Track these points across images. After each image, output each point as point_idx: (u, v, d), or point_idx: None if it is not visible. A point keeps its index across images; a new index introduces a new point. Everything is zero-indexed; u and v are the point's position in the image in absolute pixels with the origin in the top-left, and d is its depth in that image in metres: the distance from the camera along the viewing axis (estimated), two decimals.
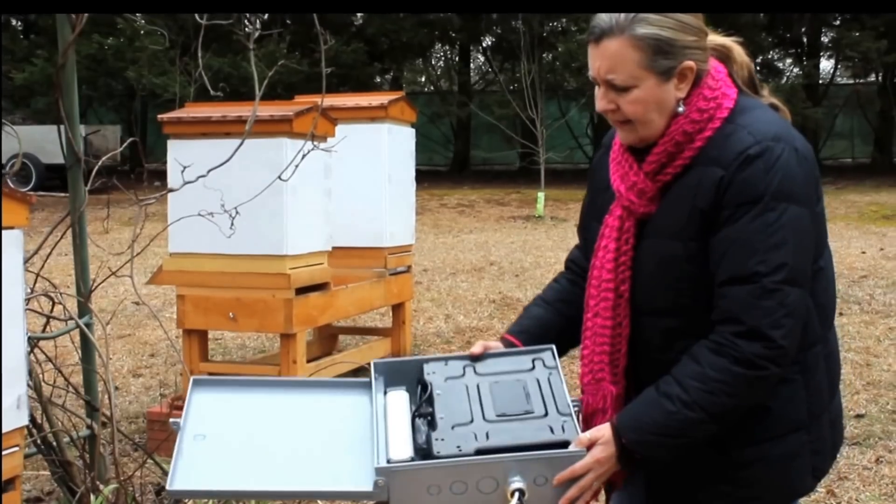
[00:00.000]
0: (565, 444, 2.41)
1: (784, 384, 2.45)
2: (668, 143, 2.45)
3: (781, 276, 2.32)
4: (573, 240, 2.94)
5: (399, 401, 2.60)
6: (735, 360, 2.34)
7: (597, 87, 2.50)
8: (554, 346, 2.66)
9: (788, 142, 2.39)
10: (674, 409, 2.37)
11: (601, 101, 2.48)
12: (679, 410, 2.37)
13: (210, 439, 2.54)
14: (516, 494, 2.36)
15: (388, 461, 2.39)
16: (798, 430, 2.48)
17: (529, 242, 16.44)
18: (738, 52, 2.58)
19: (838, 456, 5.97)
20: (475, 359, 2.67)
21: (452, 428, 2.46)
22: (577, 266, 2.84)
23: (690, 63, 2.43)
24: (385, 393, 2.65)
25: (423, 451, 2.47)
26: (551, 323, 2.78)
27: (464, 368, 2.66)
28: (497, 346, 2.73)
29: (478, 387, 2.59)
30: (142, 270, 10.95)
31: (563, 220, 19.68)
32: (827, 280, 2.54)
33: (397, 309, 8.09)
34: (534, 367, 2.62)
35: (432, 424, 2.49)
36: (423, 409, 2.55)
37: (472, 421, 2.47)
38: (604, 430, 2.44)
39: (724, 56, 2.55)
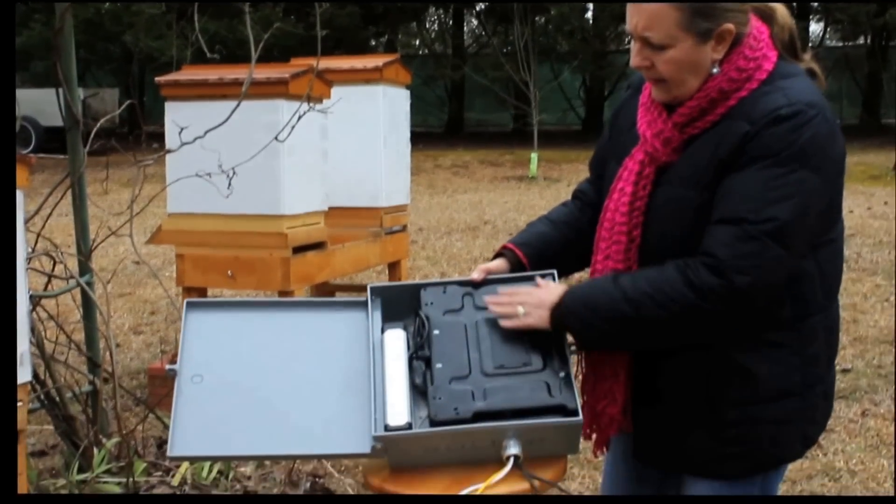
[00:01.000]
0: (562, 408, 2.38)
1: (776, 348, 2.42)
2: (702, 98, 2.40)
3: (767, 228, 2.28)
4: (566, 199, 2.92)
5: (396, 344, 2.55)
6: (689, 282, 2.31)
7: (633, 42, 2.44)
8: (555, 272, 2.63)
9: (822, 111, 2.34)
10: (615, 295, 2.38)
11: (636, 58, 2.43)
12: (617, 299, 2.37)
13: (207, 381, 2.51)
14: (511, 459, 2.35)
15: (386, 428, 2.38)
16: (789, 397, 2.45)
17: (523, 202, 16.42)
18: (782, 13, 2.51)
19: None
20: (476, 286, 2.65)
21: (450, 382, 2.43)
22: (585, 196, 2.81)
23: (730, 26, 2.37)
24: (382, 330, 2.60)
25: (421, 390, 2.46)
26: (554, 241, 2.76)
27: (462, 299, 2.61)
28: (497, 267, 2.70)
29: (476, 325, 2.55)
30: (141, 230, 10.92)
31: (555, 181, 19.66)
32: (835, 253, 2.50)
33: (393, 267, 8.09)
34: None
35: (429, 373, 2.47)
36: (420, 352, 2.52)
37: (469, 374, 2.45)
38: (559, 286, 2.52)
39: (766, 17, 2.49)
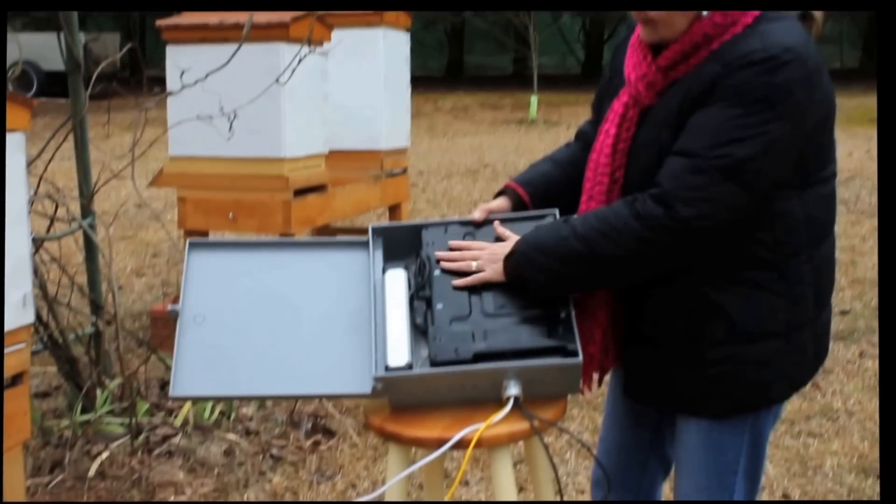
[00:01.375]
0: (562, 349, 2.38)
1: (757, 289, 2.41)
2: (686, 42, 2.38)
3: (719, 163, 2.26)
4: (565, 142, 2.90)
5: (397, 284, 2.55)
6: (637, 214, 2.31)
7: None
8: (557, 210, 2.62)
9: (800, 56, 2.29)
10: (566, 234, 2.38)
11: None
12: (568, 238, 2.37)
13: (209, 321, 2.51)
14: (511, 400, 2.35)
15: (387, 368, 2.39)
16: (774, 338, 2.43)
17: (523, 145, 16.39)
18: None
19: None
20: (477, 225, 2.65)
21: (450, 323, 2.43)
22: (587, 137, 2.78)
23: None
24: (383, 270, 2.59)
25: (422, 331, 2.46)
26: (556, 181, 2.75)
27: (464, 238, 2.61)
28: (499, 206, 2.70)
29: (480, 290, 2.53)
30: (143, 174, 10.87)
31: (555, 124, 19.60)
32: (825, 196, 2.46)
33: (394, 210, 8.08)
34: None
35: (430, 313, 2.46)
36: (421, 293, 2.51)
37: (469, 314, 2.44)
38: (514, 239, 2.50)
39: None
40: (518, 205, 2.71)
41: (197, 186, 6.08)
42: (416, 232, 2.65)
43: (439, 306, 2.46)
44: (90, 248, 5.08)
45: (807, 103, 2.31)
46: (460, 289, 2.49)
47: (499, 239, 2.58)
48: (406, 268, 2.59)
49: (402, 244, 2.64)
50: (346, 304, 2.54)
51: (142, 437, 4.51)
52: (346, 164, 7.38)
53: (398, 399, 2.41)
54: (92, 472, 4.22)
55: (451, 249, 2.58)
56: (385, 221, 8.54)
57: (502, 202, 2.71)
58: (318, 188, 6.32)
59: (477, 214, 2.65)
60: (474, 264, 2.50)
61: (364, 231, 2.56)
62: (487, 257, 2.51)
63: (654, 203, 2.30)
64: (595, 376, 2.63)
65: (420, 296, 2.50)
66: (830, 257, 2.57)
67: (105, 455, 4.34)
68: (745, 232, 2.37)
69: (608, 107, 2.56)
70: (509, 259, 2.45)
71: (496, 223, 2.61)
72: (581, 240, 2.35)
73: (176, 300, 2.57)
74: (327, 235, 8.09)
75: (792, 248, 2.42)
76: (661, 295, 2.46)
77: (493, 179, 12.60)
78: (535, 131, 18.77)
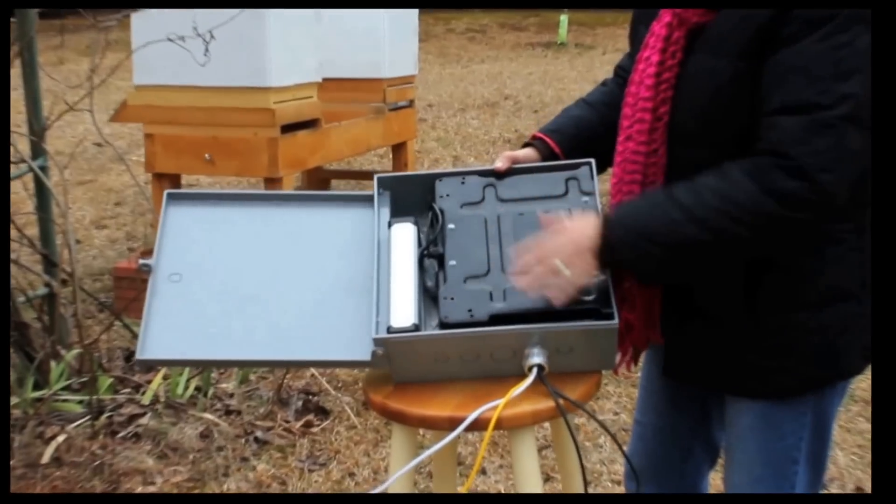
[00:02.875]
0: (595, 312, 2.36)
1: (832, 244, 2.39)
2: None
3: (844, 111, 2.21)
4: (600, 70, 2.89)
5: (405, 240, 2.53)
6: (769, 190, 2.23)
7: None
8: (593, 161, 2.59)
9: None
10: (679, 218, 2.29)
11: None
12: (683, 223, 2.28)
13: (186, 280, 2.51)
14: (534, 370, 2.33)
15: (389, 330, 2.39)
16: (848, 300, 2.41)
17: (550, 73, 16.32)
18: None
19: None
20: (499, 176, 2.62)
21: (465, 281, 2.42)
22: (626, 72, 2.71)
23: None
24: (389, 225, 2.58)
25: (432, 295, 2.45)
26: (591, 125, 2.72)
27: (483, 190, 2.58)
28: (526, 156, 2.67)
29: (498, 220, 2.52)
30: (103, 107, 10.85)
31: (589, 48, 19.53)
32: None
33: (398, 150, 8.07)
34: (567, 192, 2.55)
35: (442, 273, 2.45)
36: (433, 249, 2.50)
37: (488, 272, 2.43)
38: (584, 221, 2.38)
39: None
40: (548, 157, 2.68)
41: (167, 121, 6.08)
42: (428, 183, 2.63)
43: (452, 263, 2.44)
44: (42, 194, 5.08)
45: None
46: (536, 223, 2.43)
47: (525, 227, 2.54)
48: (416, 223, 2.58)
49: (412, 198, 2.62)
50: (346, 264, 2.52)
51: (104, 418, 4.53)
52: (342, 96, 7.36)
53: (402, 370, 2.40)
54: (46, 459, 4.24)
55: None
56: (391, 171, 8.53)
57: (529, 152, 2.68)
58: (309, 124, 6.31)
59: (499, 164, 2.61)
60: (559, 264, 2.36)
61: (363, 176, 2.54)
62: (571, 252, 2.37)
63: (785, 176, 2.23)
64: (631, 351, 2.62)
65: (431, 252, 2.49)
66: None
67: (61, 438, 4.36)
68: None
69: (646, 33, 2.53)
70: (603, 250, 2.35)
71: (540, 213, 2.52)
72: (701, 224, 2.28)
73: (147, 254, 2.57)
74: (320, 180, 8.10)
75: (866, 191, 2.39)
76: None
77: (515, 114, 12.57)
78: (565, 57, 18.70)
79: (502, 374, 2.36)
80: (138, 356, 2.41)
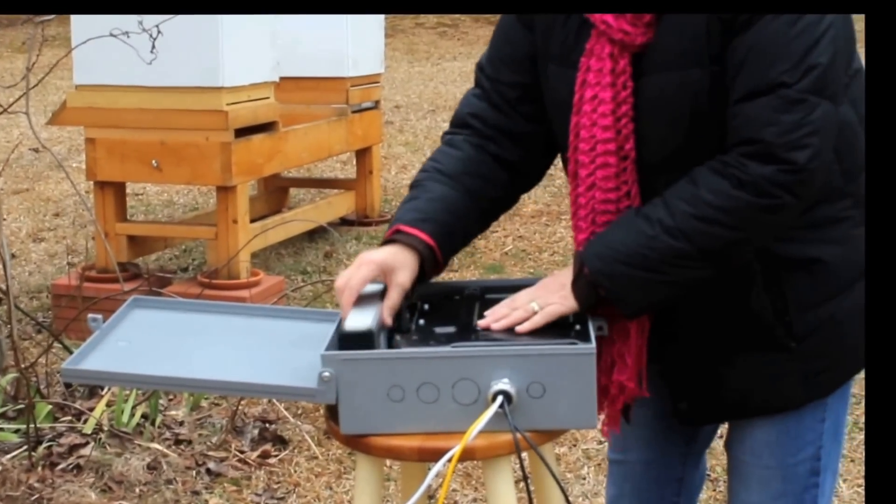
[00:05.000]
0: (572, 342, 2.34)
1: (836, 224, 2.42)
2: None
3: (809, 84, 2.24)
4: (440, 147, 2.73)
5: (370, 288, 2.51)
6: (739, 182, 2.26)
7: None
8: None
9: None
10: (652, 233, 2.30)
11: None
12: (658, 236, 2.30)
13: (134, 344, 2.57)
14: (499, 398, 2.28)
15: (343, 335, 2.35)
16: (862, 279, 2.44)
17: None
18: None
19: None
20: (481, 293, 2.61)
21: (432, 325, 2.44)
22: (483, 123, 2.62)
23: None
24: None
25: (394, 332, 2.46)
26: (464, 207, 2.56)
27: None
28: (394, 259, 2.48)
29: (476, 303, 2.54)
30: (41, 108, 10.84)
31: None
32: (863, 87, 2.46)
33: (363, 155, 8.08)
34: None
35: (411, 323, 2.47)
36: (404, 324, 2.49)
37: (457, 324, 2.45)
38: (562, 270, 2.42)
39: None
40: (425, 254, 2.51)
41: (110, 125, 6.07)
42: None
43: (422, 321, 2.48)
44: None
45: None
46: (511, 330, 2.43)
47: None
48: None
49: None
50: (305, 353, 2.53)
51: (42, 448, 4.52)
52: (302, 96, 7.37)
53: (350, 407, 2.34)
54: None
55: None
56: (354, 178, 8.51)
57: (397, 254, 2.49)
58: (265, 127, 6.31)
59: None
60: (535, 304, 2.42)
61: (324, 184, 2.55)
62: (549, 290, 2.43)
63: (757, 163, 2.25)
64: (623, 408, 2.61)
65: (402, 328, 2.48)
66: None
67: None
68: None
69: (558, 69, 2.49)
70: (580, 282, 2.38)
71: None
72: (675, 233, 2.29)
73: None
74: (277, 188, 8.09)
75: (856, 162, 2.43)
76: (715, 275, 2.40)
77: None
78: None
79: (464, 425, 2.33)
80: (64, 365, 2.42)
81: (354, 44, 7.58)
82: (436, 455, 2.28)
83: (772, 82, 2.25)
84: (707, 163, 2.31)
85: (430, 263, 2.50)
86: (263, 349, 2.59)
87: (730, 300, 2.45)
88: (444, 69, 17.07)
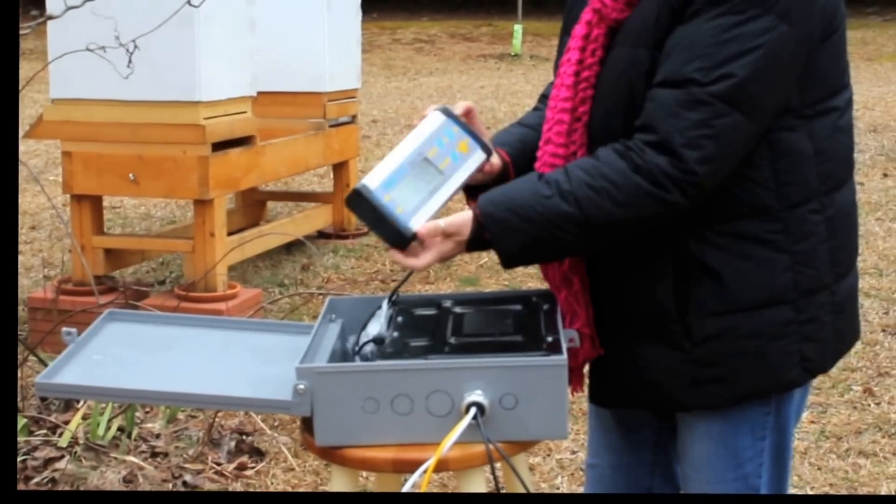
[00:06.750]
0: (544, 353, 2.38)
1: (756, 244, 2.43)
2: None
3: (720, 90, 2.29)
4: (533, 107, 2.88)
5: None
6: (636, 167, 2.33)
7: None
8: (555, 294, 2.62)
9: None
10: (548, 192, 2.37)
11: None
12: (552, 196, 2.36)
13: (109, 357, 2.58)
14: (472, 409, 2.30)
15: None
16: (779, 305, 2.45)
17: (504, 87, 16.39)
18: None
19: (878, 349, 6.01)
20: (455, 305, 2.65)
21: (406, 342, 2.46)
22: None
23: None
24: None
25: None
26: (534, 142, 2.68)
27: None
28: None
29: (450, 316, 2.58)
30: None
31: (545, 60, 19.62)
32: (837, 128, 2.49)
33: (339, 169, 8.07)
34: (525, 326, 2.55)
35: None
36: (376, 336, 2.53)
37: (429, 345, 2.46)
38: (464, 215, 2.45)
39: None
40: (501, 169, 2.67)
41: (87, 138, 6.05)
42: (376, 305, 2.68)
43: (395, 334, 2.51)
44: None
45: (813, 6, 2.36)
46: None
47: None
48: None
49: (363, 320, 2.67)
50: (282, 368, 2.53)
51: (17, 462, 4.50)
52: (278, 111, 7.37)
53: (325, 419, 2.35)
54: None
55: None
56: (331, 192, 8.51)
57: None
58: (242, 141, 6.30)
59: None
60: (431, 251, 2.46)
61: (301, 197, 2.56)
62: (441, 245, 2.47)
63: (653, 152, 2.32)
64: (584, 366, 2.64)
65: (375, 339, 2.51)
66: (850, 208, 2.58)
67: None
68: (737, 171, 2.39)
69: (567, 40, 2.59)
70: (473, 222, 2.43)
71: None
72: (568, 198, 2.36)
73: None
74: (254, 202, 8.08)
75: (799, 192, 2.44)
76: (633, 259, 2.48)
77: None
78: (520, 69, 18.79)
79: (439, 437, 2.33)
80: (38, 379, 2.44)
81: (332, 59, 7.58)
82: (411, 466, 2.30)
83: (685, 77, 2.32)
84: (611, 144, 2.39)
85: (503, 174, 2.65)
86: (240, 362, 2.62)
87: (642, 288, 2.50)
88: (420, 84, 17.10)
